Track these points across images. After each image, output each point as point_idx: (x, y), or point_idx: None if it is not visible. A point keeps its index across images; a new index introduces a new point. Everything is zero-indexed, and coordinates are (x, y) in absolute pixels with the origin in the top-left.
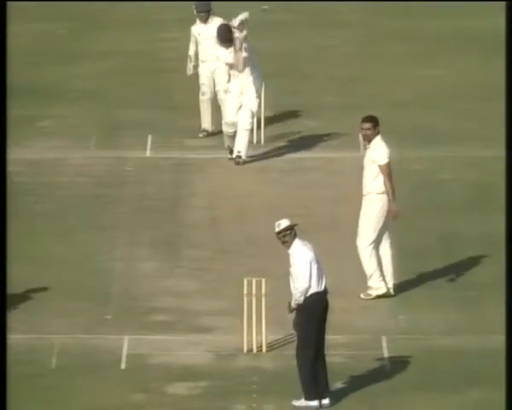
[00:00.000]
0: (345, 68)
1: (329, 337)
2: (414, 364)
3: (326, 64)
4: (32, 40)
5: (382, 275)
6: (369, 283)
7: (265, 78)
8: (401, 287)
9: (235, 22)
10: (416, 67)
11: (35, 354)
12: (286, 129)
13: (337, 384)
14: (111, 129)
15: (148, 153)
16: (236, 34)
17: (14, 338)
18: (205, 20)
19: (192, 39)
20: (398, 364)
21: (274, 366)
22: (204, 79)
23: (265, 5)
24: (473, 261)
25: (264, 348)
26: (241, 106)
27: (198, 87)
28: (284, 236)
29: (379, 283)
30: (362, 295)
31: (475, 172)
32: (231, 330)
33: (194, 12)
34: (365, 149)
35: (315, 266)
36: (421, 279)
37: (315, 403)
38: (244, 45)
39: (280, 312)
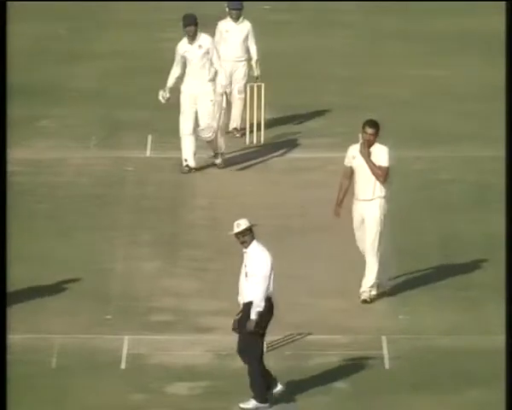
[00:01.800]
0: (345, 68)
1: (329, 337)
2: (414, 364)
3: (326, 64)
4: (32, 40)
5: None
6: (371, 284)
7: (266, 78)
8: (401, 287)
9: None
10: (416, 67)
11: (35, 353)
12: (286, 129)
13: (337, 384)
14: (111, 129)
15: (148, 153)
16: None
17: (14, 338)
18: (236, 18)
19: (216, 36)
20: (398, 364)
21: (274, 366)
22: (221, 77)
23: (267, 5)
24: (473, 261)
25: (264, 348)
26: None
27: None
28: (244, 235)
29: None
30: (363, 297)
31: (475, 172)
32: (231, 330)
33: (227, 9)
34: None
35: (272, 270)
36: (421, 279)
37: (266, 405)
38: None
39: (279, 311)
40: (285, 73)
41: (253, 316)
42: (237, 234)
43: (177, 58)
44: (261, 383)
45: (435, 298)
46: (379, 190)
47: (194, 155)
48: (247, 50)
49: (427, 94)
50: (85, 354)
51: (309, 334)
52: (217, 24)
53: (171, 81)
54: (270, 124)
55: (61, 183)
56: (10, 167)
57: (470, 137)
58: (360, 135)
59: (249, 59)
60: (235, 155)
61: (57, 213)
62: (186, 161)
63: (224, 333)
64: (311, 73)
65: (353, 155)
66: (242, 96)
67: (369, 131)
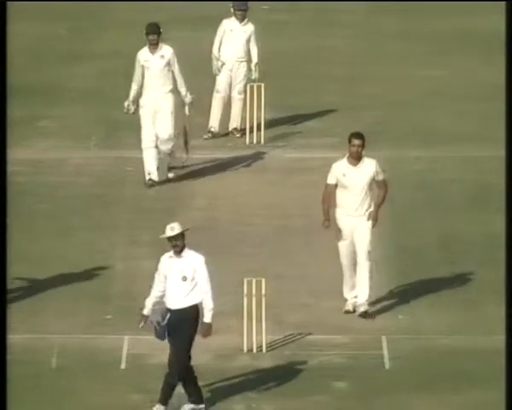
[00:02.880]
0: (345, 68)
1: (329, 337)
2: (414, 364)
3: (326, 64)
4: (32, 40)
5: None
6: (368, 296)
7: (266, 78)
8: (401, 287)
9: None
10: (416, 67)
11: (35, 354)
12: (286, 129)
13: (337, 384)
14: (111, 129)
15: None
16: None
17: (14, 338)
18: (241, 19)
19: (219, 34)
20: (398, 364)
21: (274, 366)
22: (221, 76)
23: (265, 5)
24: (473, 261)
25: (264, 348)
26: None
27: (197, 88)
28: (176, 240)
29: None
30: (362, 309)
31: (475, 172)
32: (231, 330)
33: (231, 10)
34: (354, 165)
35: None
36: (421, 279)
37: (202, 406)
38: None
39: (280, 312)
40: (285, 73)
41: (210, 320)
42: (170, 238)
43: (138, 68)
44: (198, 387)
45: (435, 298)
46: (370, 203)
47: (158, 168)
48: (249, 52)
49: (427, 94)
50: (85, 354)
51: (309, 334)
52: (219, 22)
53: (133, 93)
54: (270, 124)
55: (61, 183)
56: (10, 167)
57: (470, 137)
58: (351, 150)
59: (249, 60)
60: (235, 155)
61: (57, 213)
62: (150, 174)
63: (224, 333)
64: (311, 73)
65: (343, 173)
66: (242, 96)
67: (357, 142)
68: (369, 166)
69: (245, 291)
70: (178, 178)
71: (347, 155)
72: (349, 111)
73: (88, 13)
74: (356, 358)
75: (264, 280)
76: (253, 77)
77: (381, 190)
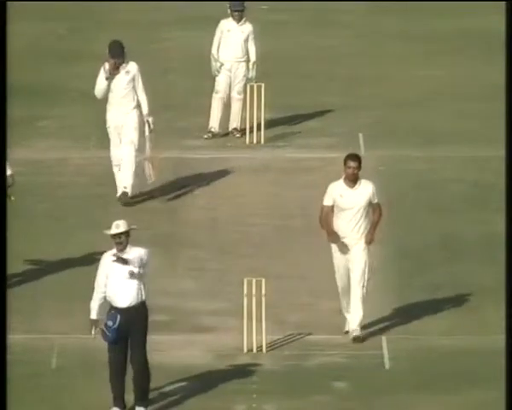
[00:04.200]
0: (345, 68)
1: (329, 337)
2: (414, 364)
3: (326, 64)
4: (32, 40)
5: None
6: (361, 320)
7: (266, 78)
8: (401, 287)
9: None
10: (416, 67)
11: (35, 354)
12: (286, 129)
13: (337, 384)
14: None
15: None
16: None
17: (14, 338)
18: (239, 19)
19: (217, 34)
20: (398, 364)
21: (274, 366)
22: (220, 77)
23: (264, 5)
24: (473, 261)
25: (264, 348)
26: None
27: (197, 88)
28: (120, 237)
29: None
30: (355, 334)
31: (475, 172)
32: (231, 330)
33: (228, 11)
34: (351, 187)
35: None
36: (421, 279)
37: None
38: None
39: (280, 312)
40: (285, 73)
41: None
42: (115, 235)
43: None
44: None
45: (435, 298)
46: (366, 227)
47: (125, 187)
48: (247, 52)
49: (427, 94)
50: (85, 354)
51: (309, 334)
52: (219, 22)
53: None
54: (270, 124)
55: (62, 183)
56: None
57: (470, 137)
58: (347, 172)
59: (248, 60)
60: (235, 155)
61: (57, 213)
62: (125, 188)
63: (224, 333)
64: (311, 73)
65: (340, 194)
66: (241, 96)
67: (352, 164)
68: (365, 188)
69: (245, 291)
70: (178, 179)
71: (343, 176)
72: (349, 111)
73: (88, 13)
74: (356, 358)
75: (264, 280)
76: (250, 76)
77: (375, 213)
